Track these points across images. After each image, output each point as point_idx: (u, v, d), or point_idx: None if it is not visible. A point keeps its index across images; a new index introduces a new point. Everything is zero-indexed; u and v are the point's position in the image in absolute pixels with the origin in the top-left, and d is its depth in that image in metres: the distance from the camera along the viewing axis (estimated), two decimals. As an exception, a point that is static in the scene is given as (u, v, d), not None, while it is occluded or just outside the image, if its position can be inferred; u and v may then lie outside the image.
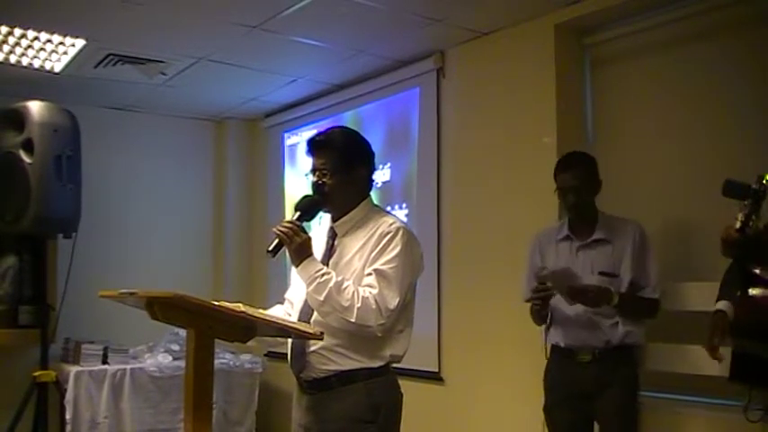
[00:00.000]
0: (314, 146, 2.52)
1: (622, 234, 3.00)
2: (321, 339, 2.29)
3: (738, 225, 2.18)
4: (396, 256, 2.37)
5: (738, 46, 3.23)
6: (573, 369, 3.00)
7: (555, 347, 3.10)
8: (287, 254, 2.40)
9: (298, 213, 2.43)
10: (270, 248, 2.38)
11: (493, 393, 3.89)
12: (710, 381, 2.89)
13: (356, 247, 2.45)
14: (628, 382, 2.99)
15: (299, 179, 5.49)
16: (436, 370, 4.22)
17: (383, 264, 2.37)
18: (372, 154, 2.58)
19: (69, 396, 4.53)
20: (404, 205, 4.59)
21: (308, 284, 2.35)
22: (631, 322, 2.96)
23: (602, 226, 3.03)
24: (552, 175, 3.61)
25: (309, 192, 2.53)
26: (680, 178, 3.34)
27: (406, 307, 2.45)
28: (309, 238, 2.39)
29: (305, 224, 2.44)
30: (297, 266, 2.38)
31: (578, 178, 3.01)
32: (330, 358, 2.39)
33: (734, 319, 2.39)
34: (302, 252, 2.37)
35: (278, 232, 2.36)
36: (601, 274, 2.97)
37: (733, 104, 3.20)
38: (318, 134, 2.57)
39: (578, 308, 2.97)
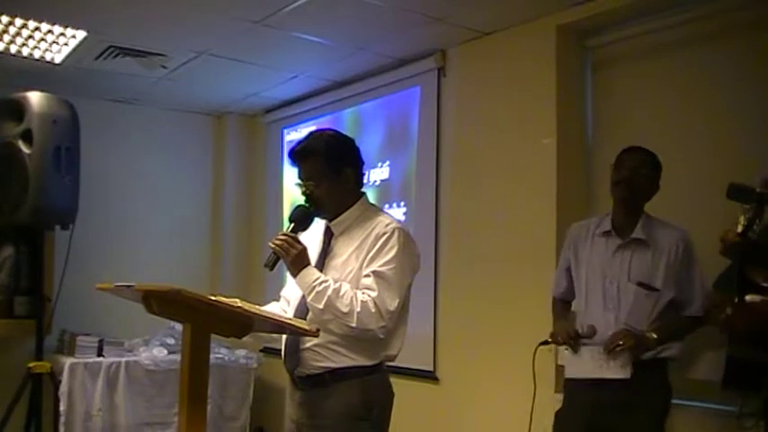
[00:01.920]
0: (295, 156, 2.52)
1: (664, 240, 2.81)
2: (317, 336, 2.30)
3: (740, 228, 2.17)
4: (393, 257, 2.38)
5: (740, 49, 3.23)
6: (598, 381, 2.76)
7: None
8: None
9: (292, 224, 2.44)
10: (267, 263, 2.39)
11: (488, 393, 3.89)
12: (703, 385, 2.89)
13: (352, 246, 2.45)
14: (656, 402, 2.77)
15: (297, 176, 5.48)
16: (431, 369, 4.22)
17: (381, 265, 2.37)
18: (357, 150, 2.57)
19: (64, 388, 4.52)
20: (402, 203, 4.59)
21: (307, 294, 2.36)
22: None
23: (644, 226, 2.83)
24: (552, 175, 3.65)
25: (303, 197, 2.52)
26: (680, 181, 3.34)
27: (401, 306, 2.45)
28: (305, 249, 2.40)
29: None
30: (294, 277, 2.39)
31: (641, 161, 2.85)
32: (324, 355, 2.39)
33: (730, 325, 2.37)
34: (299, 263, 2.37)
35: (273, 246, 2.38)
36: (640, 285, 2.78)
37: (734, 107, 3.20)
38: (298, 144, 2.54)
39: (605, 318, 2.80)
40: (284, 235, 2.39)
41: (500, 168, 3.95)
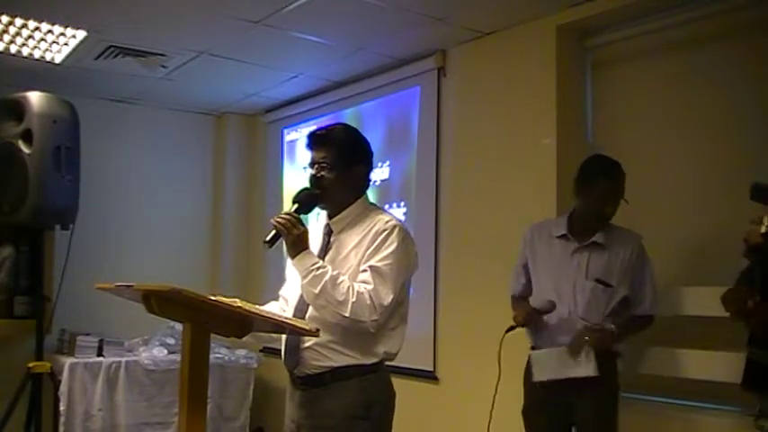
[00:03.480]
0: (315, 140, 2.53)
1: (621, 244, 2.96)
2: (317, 336, 2.30)
3: (764, 229, 2.17)
4: (391, 253, 2.37)
5: (740, 50, 3.23)
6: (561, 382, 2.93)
7: (535, 348, 3.08)
8: (284, 248, 2.40)
9: (295, 206, 2.43)
10: (267, 239, 2.38)
11: (488, 393, 3.88)
12: (716, 386, 2.89)
13: (352, 244, 2.45)
14: (606, 389, 2.92)
15: (297, 175, 5.49)
16: (431, 369, 4.22)
17: (378, 261, 2.37)
18: (371, 153, 2.59)
19: (64, 387, 4.52)
20: (402, 203, 4.59)
21: (304, 277, 2.35)
22: None
23: (603, 232, 2.98)
24: (551, 175, 3.65)
25: (307, 185, 2.53)
26: (680, 181, 3.34)
27: (400, 304, 2.45)
28: (306, 231, 2.39)
29: (302, 218, 2.44)
30: (293, 258, 2.38)
31: (623, 190, 2.97)
32: (324, 354, 2.39)
33: (750, 327, 2.35)
34: (299, 245, 2.36)
35: (276, 223, 2.37)
36: (597, 281, 2.93)
37: (734, 107, 3.20)
38: (320, 128, 2.57)
39: (560, 313, 2.95)
40: (288, 214, 2.39)
41: (500, 168, 3.95)
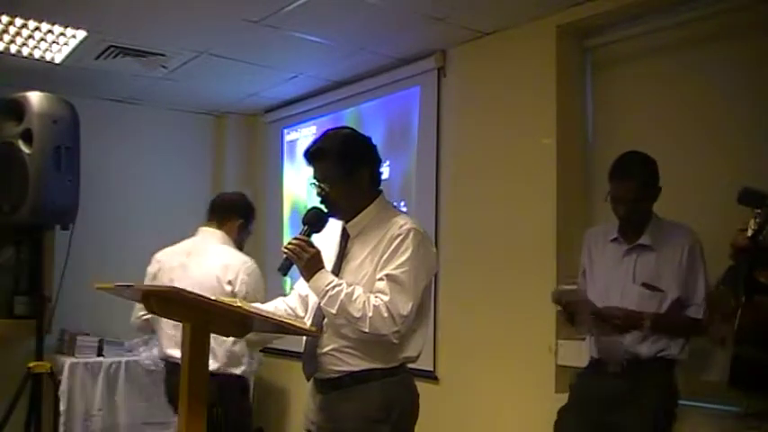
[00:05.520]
0: (309, 157, 2.48)
1: (671, 243, 2.78)
2: (318, 336, 2.29)
3: (750, 233, 2.17)
4: (407, 259, 2.34)
5: (740, 50, 3.23)
6: (601, 378, 2.84)
7: (592, 359, 2.95)
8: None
9: (305, 227, 2.41)
10: (280, 268, 2.38)
11: (488, 393, 3.89)
12: (708, 386, 2.88)
13: (368, 249, 2.42)
14: (657, 401, 2.73)
15: (297, 175, 5.49)
16: (431, 369, 4.22)
17: (394, 268, 2.33)
18: (373, 149, 2.53)
19: (64, 387, 4.52)
20: (402, 203, 4.58)
21: (321, 298, 2.34)
22: (668, 337, 2.76)
23: (651, 231, 2.82)
24: (551, 176, 3.65)
25: (311, 191, 2.51)
26: (680, 182, 3.34)
27: (420, 307, 2.41)
28: (318, 252, 2.37)
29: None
30: (308, 281, 2.37)
31: (634, 191, 2.78)
32: (341, 359, 2.38)
33: (737, 325, 2.36)
34: (312, 267, 2.35)
35: (286, 251, 2.35)
36: (644, 285, 2.78)
37: (733, 108, 3.20)
38: (312, 144, 2.50)
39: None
40: (297, 239, 2.37)
41: (500, 168, 3.95)
